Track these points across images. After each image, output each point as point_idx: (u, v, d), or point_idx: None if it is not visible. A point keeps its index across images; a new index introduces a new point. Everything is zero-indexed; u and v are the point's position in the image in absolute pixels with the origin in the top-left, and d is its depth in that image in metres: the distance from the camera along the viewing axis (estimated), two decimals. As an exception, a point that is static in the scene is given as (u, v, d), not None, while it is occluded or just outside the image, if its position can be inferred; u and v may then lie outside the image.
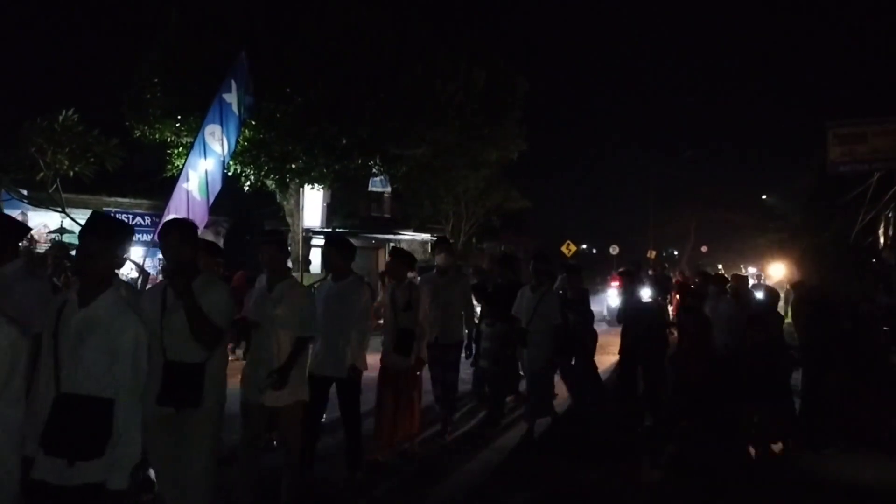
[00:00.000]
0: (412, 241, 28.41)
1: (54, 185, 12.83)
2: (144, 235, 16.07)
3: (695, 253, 54.17)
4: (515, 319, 7.47)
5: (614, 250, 36.18)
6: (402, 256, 6.70)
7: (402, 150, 15.93)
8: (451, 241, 6.63)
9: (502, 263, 9.15)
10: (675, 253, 61.04)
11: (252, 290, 5.04)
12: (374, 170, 17.10)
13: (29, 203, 14.72)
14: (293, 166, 14.40)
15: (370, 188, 22.29)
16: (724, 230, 53.59)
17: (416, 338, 6.20)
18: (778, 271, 24.57)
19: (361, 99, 13.86)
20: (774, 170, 75.32)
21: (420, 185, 22.79)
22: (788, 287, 13.20)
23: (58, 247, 11.69)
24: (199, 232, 8.75)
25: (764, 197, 39.19)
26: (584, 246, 48.70)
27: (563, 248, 29.58)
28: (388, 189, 24.09)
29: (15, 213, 15.48)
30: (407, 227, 27.26)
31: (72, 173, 12.84)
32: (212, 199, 10.25)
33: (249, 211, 18.99)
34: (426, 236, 27.57)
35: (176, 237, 3.85)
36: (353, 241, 6.62)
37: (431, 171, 20.40)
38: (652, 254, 40.72)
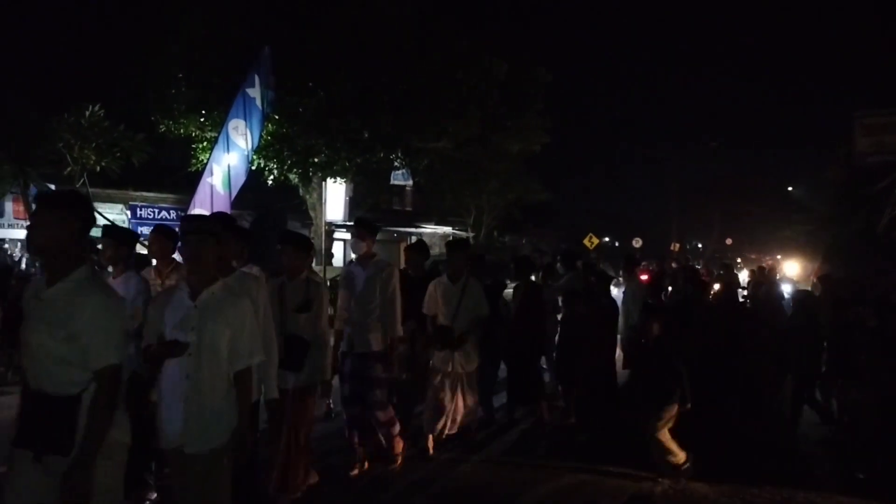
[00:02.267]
0: (433, 234, 28.47)
1: (81, 180, 13.03)
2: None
3: (719, 245, 53.65)
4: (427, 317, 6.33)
5: (637, 243, 35.96)
6: (293, 242, 5.26)
7: (423, 142, 15.95)
8: (376, 225, 6.09)
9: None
10: (700, 245, 60.51)
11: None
12: (395, 163, 17.14)
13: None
14: (316, 160, 14.47)
15: (392, 181, 22.36)
16: (750, 222, 53.02)
17: (315, 348, 4.94)
18: (792, 268, 24.21)
19: (383, 92, 13.89)
20: (801, 161, 74.40)
21: (442, 177, 22.84)
22: (815, 280, 13.02)
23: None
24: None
25: (790, 189, 38.70)
26: (607, 238, 48.35)
27: (586, 241, 29.46)
28: (410, 182, 24.15)
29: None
30: (428, 219, 27.33)
31: (98, 168, 13.03)
32: (235, 193, 10.37)
33: (272, 204, 19.13)
34: (447, 229, 27.61)
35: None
36: None
37: (453, 164, 20.42)
38: (676, 246, 40.44)
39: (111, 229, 5.51)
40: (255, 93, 10.55)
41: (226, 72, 13.06)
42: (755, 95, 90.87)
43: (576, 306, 7.72)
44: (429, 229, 27.93)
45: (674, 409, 5.71)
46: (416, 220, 27.29)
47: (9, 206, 16.82)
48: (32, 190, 13.66)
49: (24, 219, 13.30)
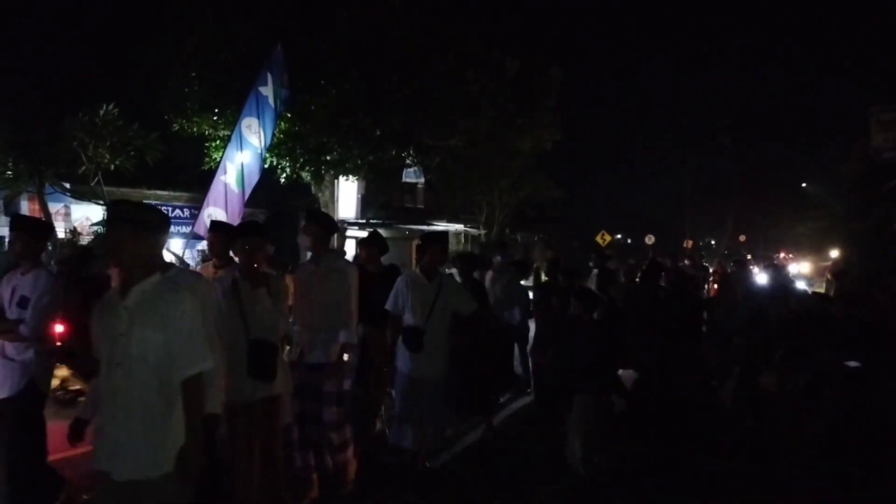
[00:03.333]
0: (445, 231, 28.46)
1: (96, 179, 13.11)
2: (183, 227, 16.37)
3: (733, 242, 53.37)
4: (395, 317, 5.64)
5: (650, 240, 35.80)
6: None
7: (435, 140, 15.95)
8: (330, 216, 5.49)
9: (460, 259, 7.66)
10: (713, 242, 60.20)
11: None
12: (407, 160, 17.16)
13: (72, 196, 15.08)
14: (328, 158, 14.51)
15: (404, 179, 22.37)
16: (763, 219, 52.73)
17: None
18: (805, 266, 24.03)
19: (395, 90, 13.90)
20: (816, 157, 73.78)
21: (453, 175, 22.82)
22: (829, 277, 12.93)
23: (101, 239, 11.96)
24: (236, 223, 8.92)
25: (804, 185, 38.44)
26: (619, 236, 48.20)
27: (598, 238, 29.37)
28: (422, 180, 24.15)
29: (58, 207, 15.90)
30: (440, 217, 27.31)
31: (113, 167, 13.11)
32: (248, 192, 10.42)
33: (285, 203, 19.18)
34: (459, 227, 27.59)
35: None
36: (386, 232, 6.51)
37: (465, 162, 20.40)
38: (689, 243, 40.21)
39: (23, 221, 5.00)
40: (267, 91, 10.58)
41: (238, 70, 13.12)
42: (769, 91, 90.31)
43: (549, 301, 7.77)
44: (440, 227, 27.92)
45: (587, 401, 5.83)
46: (427, 217, 27.27)
47: (24, 204, 16.96)
48: (48, 189, 13.76)
49: (40, 217, 13.38)
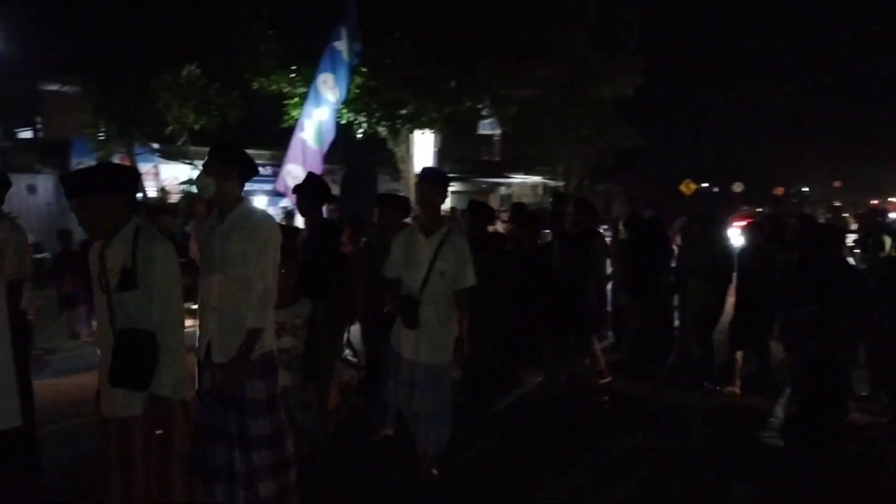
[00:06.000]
0: (522, 184, 28.15)
1: (182, 139, 13.54)
2: (266, 185, 16.76)
3: (827, 189, 50.75)
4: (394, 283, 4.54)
5: (738, 188, 34.38)
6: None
7: (510, 90, 15.66)
8: (238, 149, 3.66)
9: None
10: (806, 190, 57.42)
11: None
12: (483, 112, 16.94)
13: (161, 156, 15.66)
14: (403, 112, 14.49)
15: (479, 131, 22.15)
16: (860, 163, 49.81)
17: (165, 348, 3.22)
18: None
19: (469, 39, 13.66)
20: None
21: (530, 126, 22.42)
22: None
23: (188, 197, 12.41)
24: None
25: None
26: (706, 184, 46.48)
27: (682, 187, 28.40)
28: (498, 131, 23.85)
29: (148, 167, 16.54)
30: (517, 169, 27.01)
31: (197, 126, 13.49)
32: (326, 148, 10.53)
33: (362, 158, 19.34)
34: (537, 179, 27.25)
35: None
36: (462, 185, 6.10)
37: (542, 112, 19.98)
38: (780, 191, 38.51)
39: None
40: (341, 46, 10.58)
41: (314, 27, 13.15)
42: (866, 24, 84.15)
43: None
44: (518, 179, 27.62)
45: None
46: (504, 170, 27.01)
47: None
48: (137, 150, 14.33)
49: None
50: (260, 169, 3.91)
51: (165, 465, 3.15)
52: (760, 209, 25.38)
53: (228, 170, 3.50)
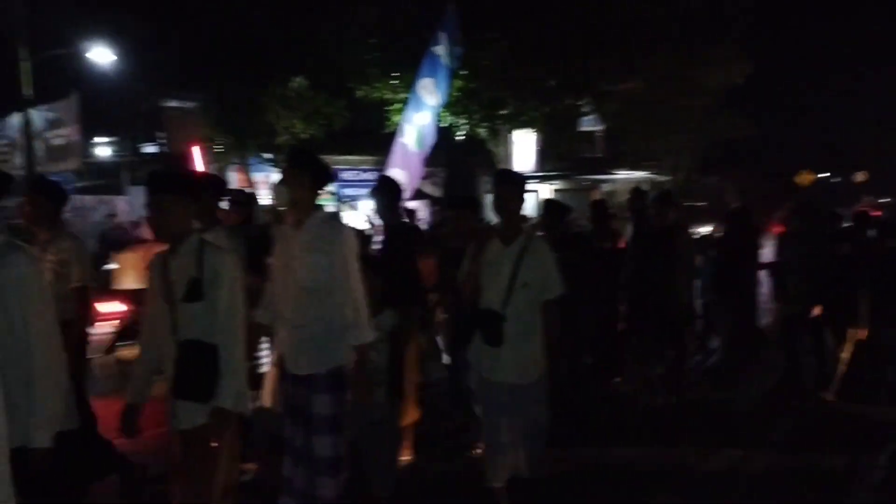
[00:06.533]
0: (627, 180, 27.50)
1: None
2: (369, 189, 17.21)
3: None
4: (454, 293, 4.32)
5: (861, 177, 32.14)
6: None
7: (612, 85, 15.37)
8: (311, 154, 3.59)
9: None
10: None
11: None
12: (584, 108, 16.72)
13: (273, 166, 16.41)
14: (503, 112, 14.52)
15: (580, 128, 21.84)
16: None
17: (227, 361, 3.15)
18: None
19: (567, 35, 13.52)
20: None
21: (634, 120, 21.91)
22: None
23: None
24: (417, 184, 9.21)
25: None
26: (827, 174, 43.71)
27: (799, 179, 26.86)
28: (600, 127, 23.44)
29: (261, 176, 17.36)
30: (621, 165, 26.42)
31: (306, 135, 14.06)
32: (427, 151, 10.69)
33: (463, 160, 19.51)
34: (642, 174, 26.55)
35: None
36: (564, 183, 5.94)
37: (645, 105, 19.48)
38: (909, 179, 35.78)
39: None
40: (441, 50, 10.70)
41: (415, 33, 13.41)
42: None
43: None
44: (622, 175, 27.01)
45: None
46: (607, 166, 26.49)
47: (232, 176, 18.72)
48: (251, 160, 15.08)
49: (248, 186, 14.71)
50: (363, 174, 3.99)
51: (212, 476, 3.10)
52: (887, 200, 23.71)
53: (303, 177, 3.43)
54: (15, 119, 12.57)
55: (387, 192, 5.13)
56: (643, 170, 26.67)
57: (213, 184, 4.60)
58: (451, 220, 5.13)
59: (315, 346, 3.39)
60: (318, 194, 3.55)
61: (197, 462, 3.06)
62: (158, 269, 3.17)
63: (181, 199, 3.09)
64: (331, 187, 14.63)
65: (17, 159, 12.61)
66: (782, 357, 6.64)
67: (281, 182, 3.56)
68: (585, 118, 20.24)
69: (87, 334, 4.55)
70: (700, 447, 5.15)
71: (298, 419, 3.44)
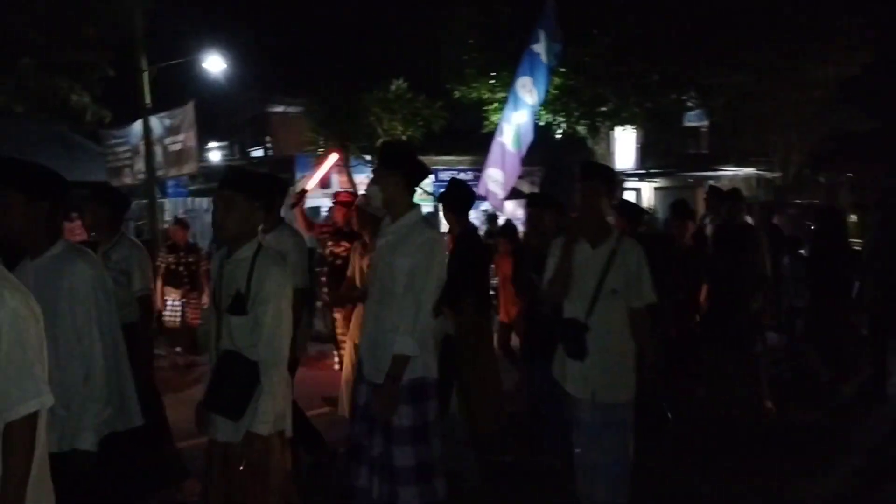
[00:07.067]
0: (734, 177, 26.47)
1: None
2: (468, 189, 17.31)
3: None
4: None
5: None
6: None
7: (718, 78, 14.84)
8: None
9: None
10: None
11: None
12: (688, 104, 16.20)
13: (373, 167, 16.81)
14: (603, 109, 14.29)
15: (685, 123, 21.17)
16: None
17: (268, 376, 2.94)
18: None
19: (670, 28, 13.14)
20: None
21: (741, 114, 21.04)
22: None
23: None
24: (513, 183, 9.20)
25: None
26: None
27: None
28: (706, 122, 22.65)
29: (362, 178, 17.78)
30: (727, 162, 25.44)
31: (405, 137, 14.31)
32: (524, 150, 10.65)
33: (561, 159, 19.31)
34: (750, 171, 25.49)
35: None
36: (667, 181, 5.62)
37: (753, 99, 18.67)
38: None
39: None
40: (539, 48, 10.63)
41: (513, 32, 13.39)
42: None
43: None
44: (728, 172, 26.01)
45: None
46: (712, 163, 25.56)
47: (334, 178, 19.27)
48: (352, 162, 15.47)
49: (350, 188, 15.11)
50: (461, 174, 3.96)
51: (263, 498, 2.89)
52: None
53: (395, 175, 3.28)
54: (136, 127, 13.36)
55: (454, 198, 4.91)
56: (750, 166, 25.61)
57: (277, 184, 4.61)
58: (530, 220, 4.89)
59: (388, 354, 3.21)
60: (413, 193, 3.39)
61: (238, 477, 2.85)
62: (215, 273, 3.04)
63: (249, 201, 2.92)
64: (428, 187, 14.80)
65: (139, 164, 13.41)
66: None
67: (373, 181, 3.43)
68: (690, 113, 19.62)
69: (150, 340, 4.62)
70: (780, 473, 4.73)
71: (377, 428, 3.26)
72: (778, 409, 5.77)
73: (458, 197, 4.89)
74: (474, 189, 6.14)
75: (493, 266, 6.70)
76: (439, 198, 5.05)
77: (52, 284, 2.68)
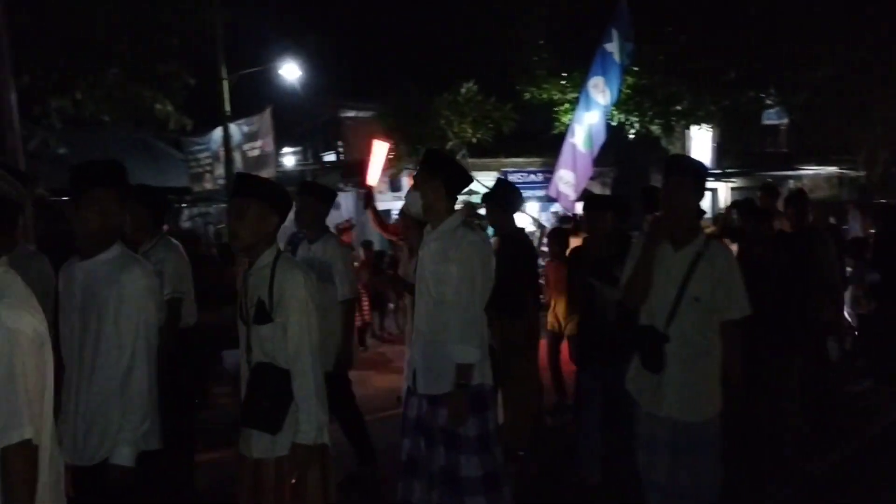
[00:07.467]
0: (815, 176, 25.48)
1: (461, 152, 14.49)
2: (538, 191, 17.21)
3: None
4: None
5: None
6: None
7: (798, 75, 14.33)
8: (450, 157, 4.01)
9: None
10: None
11: None
12: (767, 101, 15.71)
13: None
14: (678, 108, 13.99)
15: (764, 121, 20.50)
16: None
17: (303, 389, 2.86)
18: None
19: (749, 24, 12.76)
20: None
21: (823, 112, 20.24)
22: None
23: (468, 207, 13.22)
24: (585, 184, 9.13)
25: None
26: None
27: None
28: (785, 120, 21.88)
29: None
30: (808, 161, 24.50)
31: (475, 140, 14.36)
32: (596, 151, 10.53)
33: (634, 159, 18.98)
34: (832, 169, 24.49)
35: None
36: (745, 181, 5.43)
37: (837, 95, 17.94)
38: None
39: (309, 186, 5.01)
40: (612, 48, 10.50)
41: (586, 32, 13.26)
42: None
43: None
44: (809, 171, 25.04)
45: None
46: (792, 162, 24.66)
47: (405, 181, 19.47)
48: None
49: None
50: (531, 175, 3.94)
51: None
52: None
53: (436, 182, 3.27)
54: (216, 133, 13.85)
55: (500, 198, 4.86)
56: (832, 164, 24.62)
57: (321, 191, 4.64)
58: (588, 223, 4.64)
59: (451, 364, 3.18)
60: (454, 200, 3.39)
61: (270, 493, 2.76)
62: (241, 285, 2.96)
63: (265, 209, 2.81)
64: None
65: (219, 170, 13.90)
66: None
67: (413, 187, 3.39)
68: (769, 111, 19.00)
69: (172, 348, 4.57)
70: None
71: (437, 440, 3.23)
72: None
73: (504, 196, 4.83)
74: (545, 190, 6.03)
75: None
76: (485, 197, 4.99)
77: (102, 288, 2.62)
